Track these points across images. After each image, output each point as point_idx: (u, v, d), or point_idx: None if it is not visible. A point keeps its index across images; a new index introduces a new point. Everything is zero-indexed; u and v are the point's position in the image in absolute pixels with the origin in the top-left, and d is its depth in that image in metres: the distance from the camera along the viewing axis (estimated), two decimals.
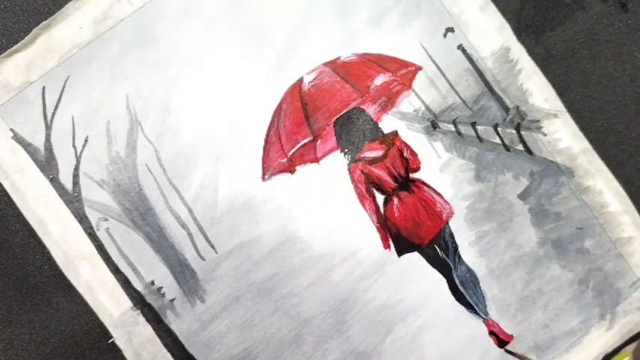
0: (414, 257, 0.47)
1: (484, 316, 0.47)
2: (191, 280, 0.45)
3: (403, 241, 0.46)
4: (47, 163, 0.44)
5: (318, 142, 0.46)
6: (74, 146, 0.45)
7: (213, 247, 0.45)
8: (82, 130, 0.45)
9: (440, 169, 0.47)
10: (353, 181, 0.46)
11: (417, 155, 0.47)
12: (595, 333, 0.48)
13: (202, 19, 0.45)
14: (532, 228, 0.47)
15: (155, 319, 0.45)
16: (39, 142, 0.44)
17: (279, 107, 0.46)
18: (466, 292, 0.47)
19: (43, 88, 0.44)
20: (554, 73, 0.48)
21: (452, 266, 0.47)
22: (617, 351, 0.48)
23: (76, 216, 0.44)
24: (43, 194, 0.44)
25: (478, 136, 0.47)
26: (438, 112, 0.47)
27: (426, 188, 0.47)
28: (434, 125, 0.47)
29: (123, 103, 0.45)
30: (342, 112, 0.46)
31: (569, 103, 0.48)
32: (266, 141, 0.46)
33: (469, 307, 0.47)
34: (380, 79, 0.47)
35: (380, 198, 0.47)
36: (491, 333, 0.47)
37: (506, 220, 0.47)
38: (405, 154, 0.47)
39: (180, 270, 0.45)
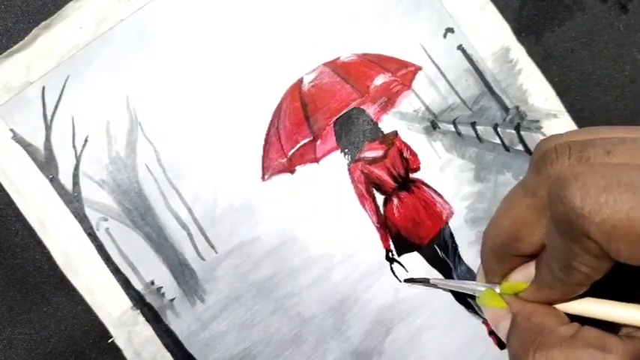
0: (414, 257, 0.47)
1: (484, 316, 0.47)
2: (191, 280, 0.45)
3: (403, 241, 0.46)
4: (47, 163, 0.44)
5: (318, 142, 0.46)
6: (74, 146, 0.45)
7: (213, 247, 0.45)
8: (82, 130, 0.45)
9: (440, 169, 0.47)
10: (353, 181, 0.46)
11: (416, 155, 0.47)
12: None
13: (203, 19, 0.45)
14: None
15: (155, 318, 0.45)
16: (39, 142, 0.44)
17: (279, 107, 0.46)
18: None
19: (43, 88, 0.44)
20: (554, 74, 0.48)
21: (452, 266, 0.47)
22: None
23: (76, 216, 0.44)
24: (43, 194, 0.44)
25: (478, 137, 0.47)
26: (437, 112, 0.47)
27: (425, 188, 0.47)
28: (434, 125, 0.47)
29: (123, 103, 0.45)
30: (342, 112, 0.46)
31: (569, 103, 0.48)
32: (266, 141, 0.46)
33: (469, 307, 0.47)
34: (380, 79, 0.47)
35: (380, 198, 0.47)
36: (491, 333, 0.47)
37: None
38: (404, 154, 0.47)
39: (180, 270, 0.45)
